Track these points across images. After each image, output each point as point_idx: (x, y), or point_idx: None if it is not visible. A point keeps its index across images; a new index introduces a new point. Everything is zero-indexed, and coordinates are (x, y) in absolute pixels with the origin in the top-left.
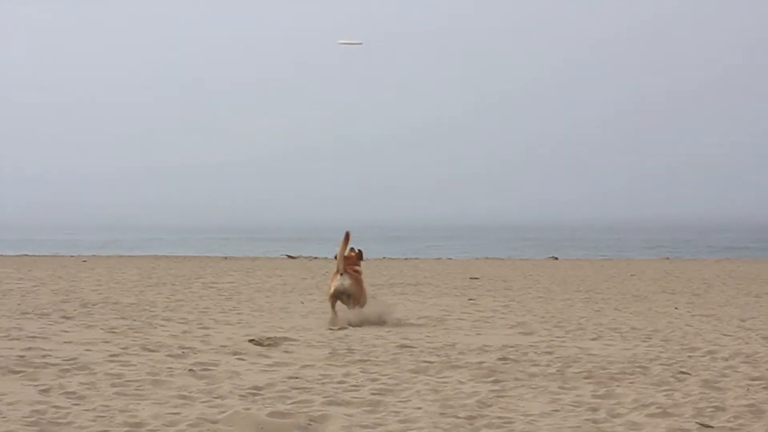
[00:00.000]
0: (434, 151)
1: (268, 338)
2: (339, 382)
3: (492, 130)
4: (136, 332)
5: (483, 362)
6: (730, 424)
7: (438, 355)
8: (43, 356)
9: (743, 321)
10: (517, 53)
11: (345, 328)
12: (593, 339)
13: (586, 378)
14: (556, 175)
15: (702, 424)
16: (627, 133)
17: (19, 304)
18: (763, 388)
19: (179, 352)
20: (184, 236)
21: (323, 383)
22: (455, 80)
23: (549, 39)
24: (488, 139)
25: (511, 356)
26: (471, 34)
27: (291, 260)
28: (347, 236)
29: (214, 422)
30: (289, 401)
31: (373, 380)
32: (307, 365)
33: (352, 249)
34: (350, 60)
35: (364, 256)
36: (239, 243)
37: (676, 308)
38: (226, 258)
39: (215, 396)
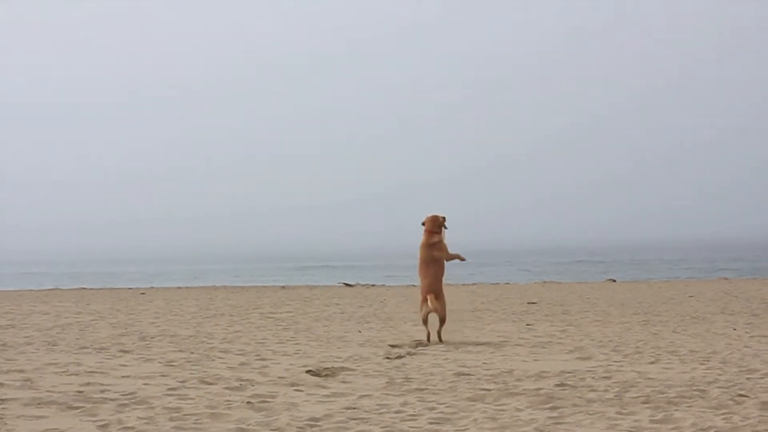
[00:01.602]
0: (498, 181)
1: (326, 368)
2: (396, 412)
3: (554, 159)
4: (194, 365)
5: (540, 389)
6: None
7: (495, 383)
8: (102, 391)
9: None
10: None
11: (402, 356)
12: (651, 362)
13: (644, 402)
14: (615, 196)
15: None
16: (688, 154)
17: (77, 339)
18: None
19: (237, 384)
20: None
21: (381, 413)
22: (522, 112)
23: (626, 71)
24: (549, 168)
25: (569, 382)
26: (550, 65)
27: (348, 288)
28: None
29: None
30: None
31: (431, 409)
32: (365, 395)
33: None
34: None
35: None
36: (293, 272)
37: (735, 329)
38: (283, 287)
39: (273, 428)
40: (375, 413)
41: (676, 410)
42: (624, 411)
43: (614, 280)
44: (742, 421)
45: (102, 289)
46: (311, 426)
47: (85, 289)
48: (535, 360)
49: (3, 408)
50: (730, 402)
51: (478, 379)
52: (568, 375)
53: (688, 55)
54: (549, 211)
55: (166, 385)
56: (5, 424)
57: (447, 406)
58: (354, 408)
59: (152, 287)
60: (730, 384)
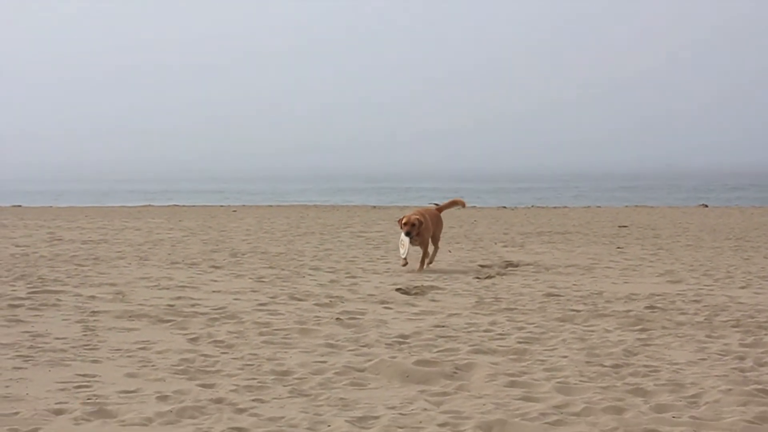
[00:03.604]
0: (608, 106)
1: (416, 287)
2: (485, 331)
3: (658, 86)
4: (284, 281)
5: (630, 311)
6: None
7: (585, 304)
8: (192, 305)
9: None
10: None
11: (492, 276)
12: (742, 287)
13: (733, 326)
14: (713, 120)
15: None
16: None
17: (169, 254)
18: None
19: (327, 301)
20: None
21: (469, 332)
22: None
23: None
24: (653, 93)
25: (659, 305)
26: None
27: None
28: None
29: (361, 370)
30: (435, 350)
31: (520, 329)
32: (454, 314)
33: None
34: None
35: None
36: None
37: None
38: (374, 207)
39: (362, 344)
40: (463, 331)
41: (766, 334)
42: (713, 334)
43: (706, 205)
44: None
45: (194, 206)
46: (400, 343)
47: (177, 206)
48: (625, 282)
49: (95, 320)
50: None
51: (568, 300)
52: (657, 298)
53: None
54: (654, 135)
55: (257, 300)
56: (97, 335)
57: (536, 326)
58: (443, 326)
59: (244, 205)
60: None
